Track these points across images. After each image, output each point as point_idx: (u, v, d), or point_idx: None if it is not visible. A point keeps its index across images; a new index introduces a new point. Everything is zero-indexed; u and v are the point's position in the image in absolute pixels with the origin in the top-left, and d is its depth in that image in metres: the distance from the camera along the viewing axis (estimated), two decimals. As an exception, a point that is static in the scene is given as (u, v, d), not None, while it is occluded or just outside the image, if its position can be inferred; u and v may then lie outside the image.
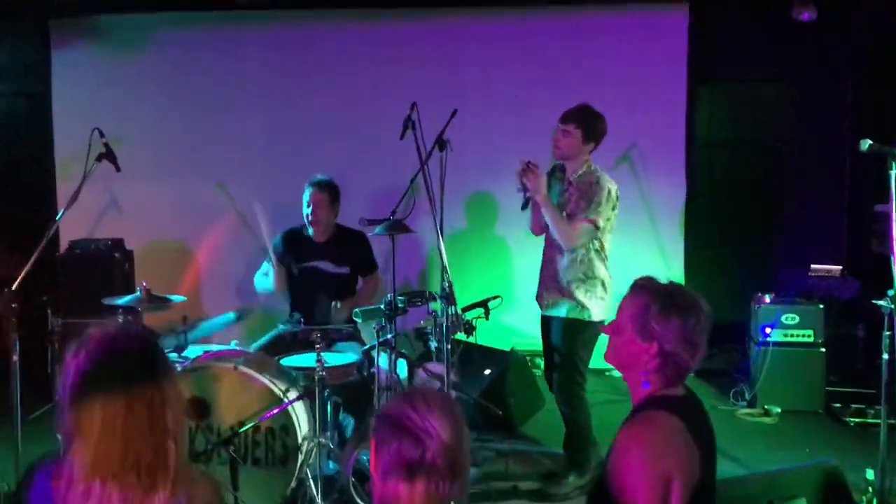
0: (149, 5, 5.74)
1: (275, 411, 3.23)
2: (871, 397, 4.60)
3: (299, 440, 3.30)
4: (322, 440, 3.32)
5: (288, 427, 3.31)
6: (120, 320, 3.58)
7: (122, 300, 3.38)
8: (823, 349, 4.84)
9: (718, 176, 6.03)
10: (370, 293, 4.40)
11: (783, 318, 4.87)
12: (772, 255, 5.87)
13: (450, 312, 3.46)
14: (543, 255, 3.82)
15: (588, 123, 3.64)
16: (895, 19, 5.48)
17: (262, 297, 4.46)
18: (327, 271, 4.26)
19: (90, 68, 5.87)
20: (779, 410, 4.78)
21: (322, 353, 3.30)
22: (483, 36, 5.72)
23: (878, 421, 3.39)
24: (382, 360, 3.62)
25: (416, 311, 3.94)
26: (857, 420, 4.59)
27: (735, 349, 5.35)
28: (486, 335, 4.20)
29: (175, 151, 5.84)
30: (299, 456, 3.28)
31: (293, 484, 3.29)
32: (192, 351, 3.51)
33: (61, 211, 3.48)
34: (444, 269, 3.47)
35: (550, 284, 3.72)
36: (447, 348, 3.45)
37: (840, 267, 5.17)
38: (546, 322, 3.80)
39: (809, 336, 4.85)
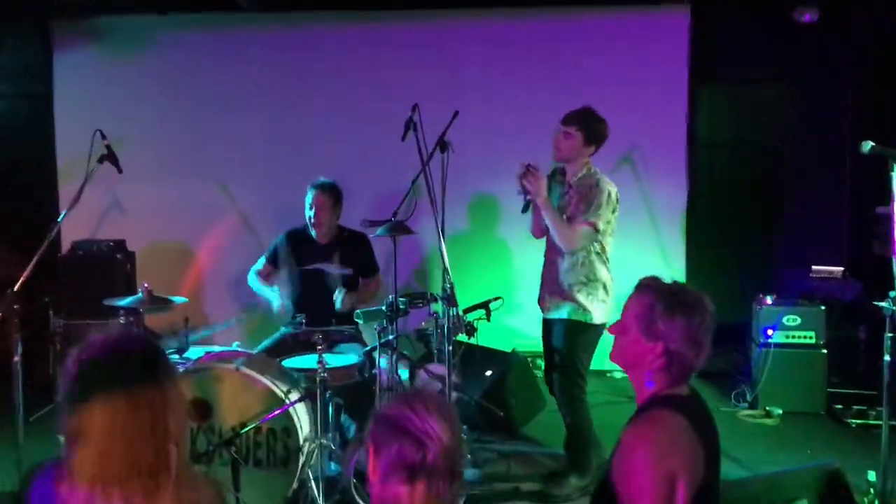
0: (150, 7, 5.74)
1: (276, 412, 3.22)
2: (872, 399, 4.60)
3: (301, 441, 3.30)
4: (323, 441, 3.32)
5: (289, 428, 3.31)
6: (122, 321, 3.60)
7: (124, 301, 3.39)
8: (825, 351, 4.84)
9: (719, 177, 6.03)
10: (371, 295, 4.41)
11: (784, 319, 4.86)
12: (773, 256, 5.87)
13: (451, 314, 3.46)
14: (545, 257, 3.82)
15: (589, 126, 3.64)
16: (896, 20, 5.48)
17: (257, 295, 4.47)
18: (330, 273, 4.26)
19: (92, 69, 5.88)
20: (780, 412, 4.78)
21: (324, 355, 3.30)
22: (484, 37, 5.72)
23: (880, 422, 3.39)
24: (384, 362, 3.62)
25: (418, 313, 3.95)
26: (858, 422, 4.59)
27: (736, 350, 5.34)
28: (487, 336, 4.21)
29: (177, 152, 5.85)
30: (301, 457, 3.28)
31: (294, 485, 3.29)
32: (194, 352, 3.51)
33: (63, 212, 3.48)
34: (445, 270, 3.47)
35: (552, 288, 3.71)
36: (448, 349, 3.45)
37: (841, 268, 5.16)
38: (547, 325, 3.80)
39: (811, 337, 4.85)
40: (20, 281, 3.10)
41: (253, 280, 4.40)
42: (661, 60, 5.63)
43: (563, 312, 3.66)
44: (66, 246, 5.22)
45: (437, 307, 3.65)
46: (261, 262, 4.42)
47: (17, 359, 3.09)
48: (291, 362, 3.63)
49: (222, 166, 5.84)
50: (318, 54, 5.79)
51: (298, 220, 4.39)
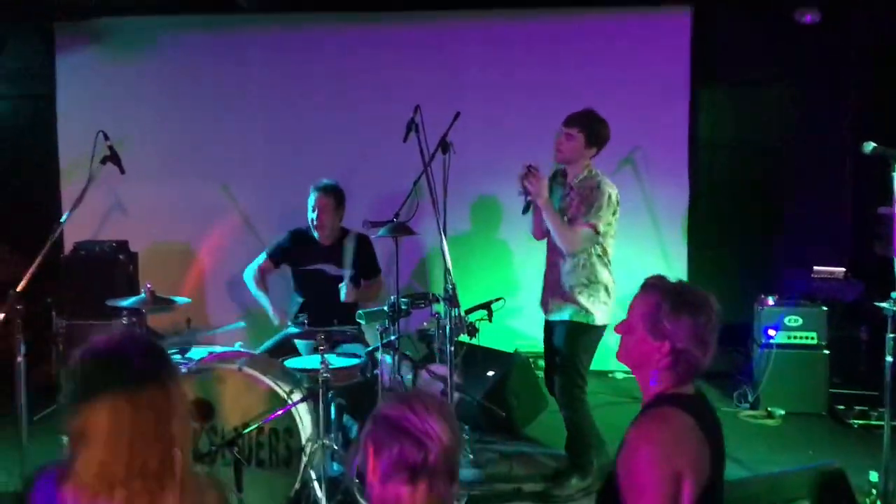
0: (152, 8, 5.75)
1: (279, 413, 3.23)
2: (874, 399, 4.59)
3: (303, 442, 3.30)
4: (326, 441, 3.32)
5: (292, 428, 3.32)
6: (124, 322, 3.61)
7: (127, 302, 3.39)
8: (827, 351, 4.84)
9: (721, 177, 6.02)
10: (372, 296, 4.41)
11: (786, 319, 4.86)
12: (775, 256, 5.87)
13: (453, 314, 3.46)
14: (547, 260, 3.82)
15: (591, 128, 3.64)
16: (897, 20, 5.48)
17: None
18: (333, 274, 4.27)
19: (94, 71, 5.89)
20: (782, 412, 4.78)
21: (326, 355, 3.31)
22: (484, 38, 5.72)
23: (882, 423, 3.40)
24: (386, 362, 3.63)
25: (420, 313, 3.95)
26: (860, 422, 4.59)
27: (738, 351, 5.34)
28: (489, 337, 4.21)
29: (179, 153, 5.86)
30: (303, 457, 3.29)
31: (297, 485, 3.29)
32: (197, 352, 3.52)
33: (66, 213, 3.48)
34: (447, 271, 3.47)
35: (554, 290, 3.71)
36: (450, 350, 3.45)
37: (843, 269, 5.16)
38: (549, 327, 3.80)
39: (813, 338, 4.85)
40: (23, 282, 3.10)
41: (249, 277, 4.40)
42: (662, 61, 5.63)
43: (565, 314, 3.66)
44: (68, 247, 5.23)
45: (439, 308, 3.65)
46: (262, 257, 4.43)
47: (20, 359, 3.09)
48: (294, 362, 3.64)
49: (223, 167, 5.85)
50: (319, 55, 5.79)
51: (299, 221, 4.39)
